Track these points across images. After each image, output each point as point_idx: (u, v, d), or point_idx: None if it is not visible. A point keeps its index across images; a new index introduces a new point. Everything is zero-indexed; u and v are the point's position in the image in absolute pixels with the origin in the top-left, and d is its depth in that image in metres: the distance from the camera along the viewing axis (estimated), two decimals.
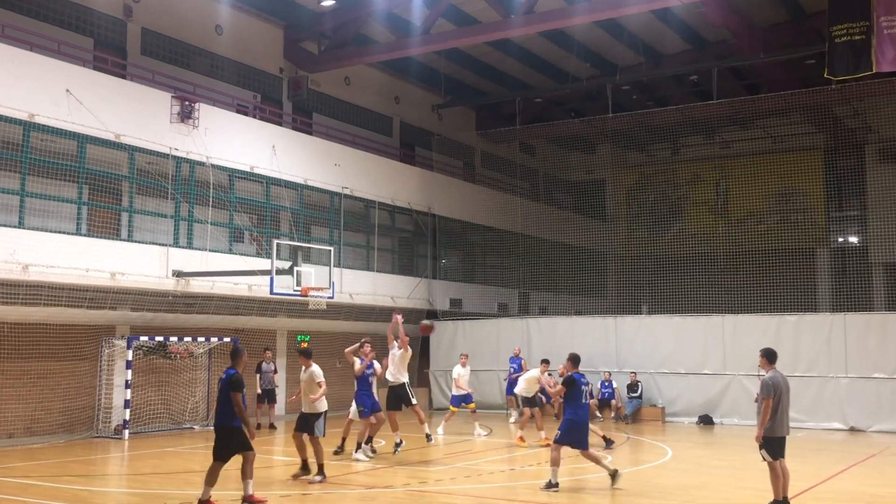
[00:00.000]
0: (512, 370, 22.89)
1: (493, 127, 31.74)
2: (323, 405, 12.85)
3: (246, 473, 10.67)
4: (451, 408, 20.25)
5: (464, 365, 20.35)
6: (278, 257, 18.73)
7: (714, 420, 22.42)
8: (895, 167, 28.35)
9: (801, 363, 21.63)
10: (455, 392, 20.19)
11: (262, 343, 22.47)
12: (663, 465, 15.12)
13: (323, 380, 12.81)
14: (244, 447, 10.57)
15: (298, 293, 18.83)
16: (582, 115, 30.36)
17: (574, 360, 12.53)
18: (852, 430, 20.76)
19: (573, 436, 11.99)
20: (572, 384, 12.09)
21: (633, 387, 23.37)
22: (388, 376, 15.72)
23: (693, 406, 22.90)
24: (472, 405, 19.99)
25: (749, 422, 21.91)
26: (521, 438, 17.64)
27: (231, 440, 10.49)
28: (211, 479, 10.42)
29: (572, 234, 30.85)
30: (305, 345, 24.12)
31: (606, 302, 30.93)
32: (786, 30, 26.04)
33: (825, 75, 21.88)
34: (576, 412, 12.05)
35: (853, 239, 30.91)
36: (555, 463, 11.69)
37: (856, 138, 29.67)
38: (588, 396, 12.74)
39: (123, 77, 19.87)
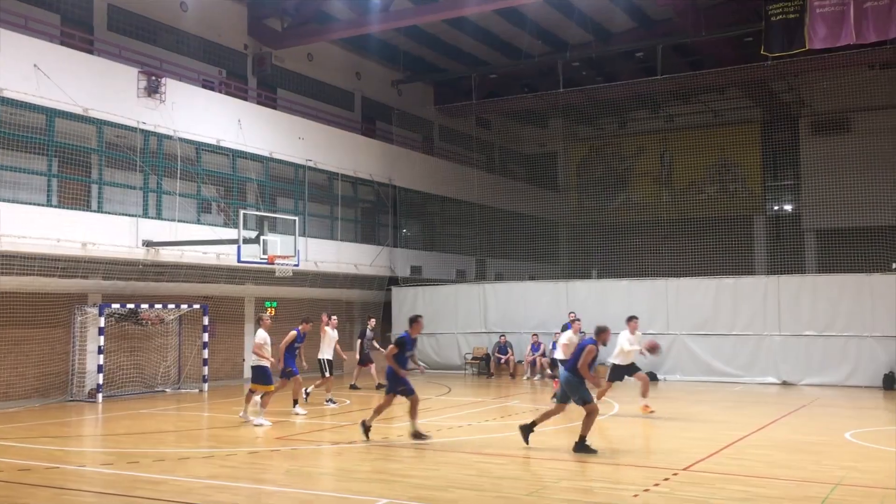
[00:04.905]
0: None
1: (450, 102, 31.60)
2: None
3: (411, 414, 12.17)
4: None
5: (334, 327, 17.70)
6: (245, 227, 18.55)
7: (658, 377, 22.80)
8: (827, 139, 28.84)
9: (738, 323, 22.11)
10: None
11: (230, 309, 22.33)
12: (612, 419, 15.37)
13: None
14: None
15: (265, 261, 18.70)
16: (535, 91, 30.35)
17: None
18: (785, 383, 21.28)
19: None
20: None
21: None
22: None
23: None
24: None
25: (691, 378, 22.40)
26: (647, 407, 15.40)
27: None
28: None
29: (526, 203, 30.97)
30: (272, 311, 24.02)
31: (559, 268, 31.19)
32: (726, 8, 26.18)
33: (761, 52, 22.16)
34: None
35: (787, 207, 31.44)
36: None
37: (790, 112, 30.09)
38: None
39: (91, 52, 19.40)
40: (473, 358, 25.81)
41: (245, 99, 23.57)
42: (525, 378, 23.91)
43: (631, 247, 28.06)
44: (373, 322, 21.59)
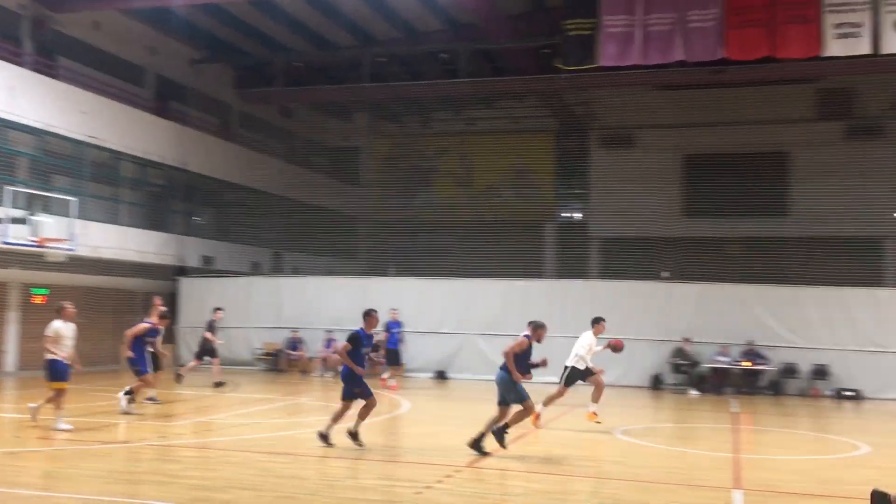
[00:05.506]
0: (392, 335, 21.36)
1: (252, 87, 30.67)
2: None
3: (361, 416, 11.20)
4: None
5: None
6: (13, 206, 17.03)
7: (448, 375, 23.45)
8: (613, 153, 30.88)
9: (526, 323, 23.10)
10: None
11: None
12: (403, 417, 15.59)
13: None
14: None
15: (34, 244, 17.25)
16: (340, 83, 30.12)
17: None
18: None
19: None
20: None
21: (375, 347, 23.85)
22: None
23: (430, 362, 23.77)
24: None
25: (480, 377, 23.17)
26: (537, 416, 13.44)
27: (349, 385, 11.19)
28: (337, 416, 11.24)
29: (327, 197, 30.76)
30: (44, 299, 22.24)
31: (357, 264, 31.23)
32: (529, 19, 27.30)
33: (556, 65, 23.38)
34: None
35: (576, 215, 33.30)
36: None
37: (582, 124, 31.92)
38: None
39: None
40: (265, 353, 25.28)
41: (19, 64, 21.62)
42: (319, 375, 23.74)
43: (429, 246, 28.63)
44: (220, 314, 20.09)
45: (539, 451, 11.80)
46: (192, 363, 19.39)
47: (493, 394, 19.52)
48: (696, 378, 21.80)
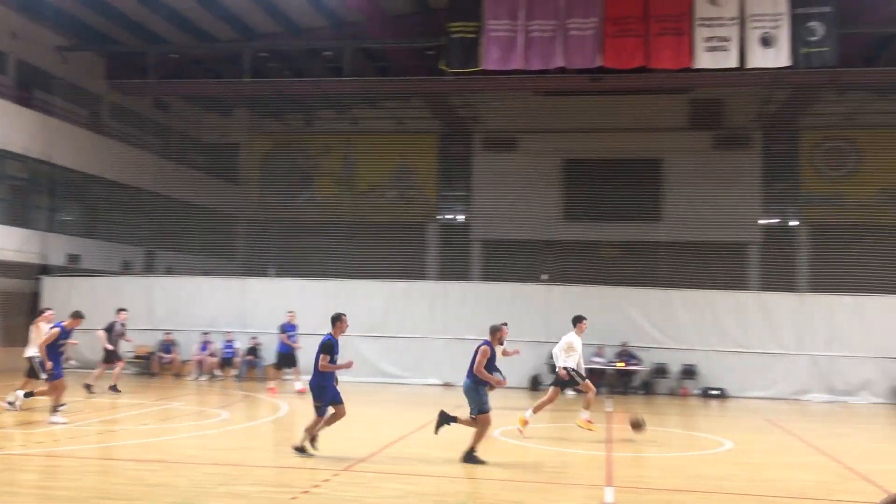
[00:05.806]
0: (288, 337, 20.59)
1: (124, 78, 29.48)
2: None
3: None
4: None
5: None
6: None
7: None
8: (497, 156, 31.41)
9: (407, 325, 23.27)
10: None
11: None
12: (280, 420, 15.36)
13: None
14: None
15: None
16: (219, 77, 29.40)
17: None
18: (447, 385, 22.77)
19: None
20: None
21: (254, 350, 23.45)
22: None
23: (310, 364, 23.36)
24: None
25: (360, 379, 23.09)
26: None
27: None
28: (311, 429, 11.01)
29: (203, 194, 29.96)
30: None
31: (235, 263, 30.56)
32: (413, 20, 27.45)
33: (441, 66, 23.63)
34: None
35: (458, 217, 33.66)
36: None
37: (465, 127, 32.32)
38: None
39: None
40: (135, 356, 24.35)
41: None
42: (193, 378, 23.07)
43: (310, 246, 28.30)
44: (124, 315, 19.41)
45: (417, 454, 11.88)
46: (117, 369, 19.01)
47: (374, 396, 19.59)
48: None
